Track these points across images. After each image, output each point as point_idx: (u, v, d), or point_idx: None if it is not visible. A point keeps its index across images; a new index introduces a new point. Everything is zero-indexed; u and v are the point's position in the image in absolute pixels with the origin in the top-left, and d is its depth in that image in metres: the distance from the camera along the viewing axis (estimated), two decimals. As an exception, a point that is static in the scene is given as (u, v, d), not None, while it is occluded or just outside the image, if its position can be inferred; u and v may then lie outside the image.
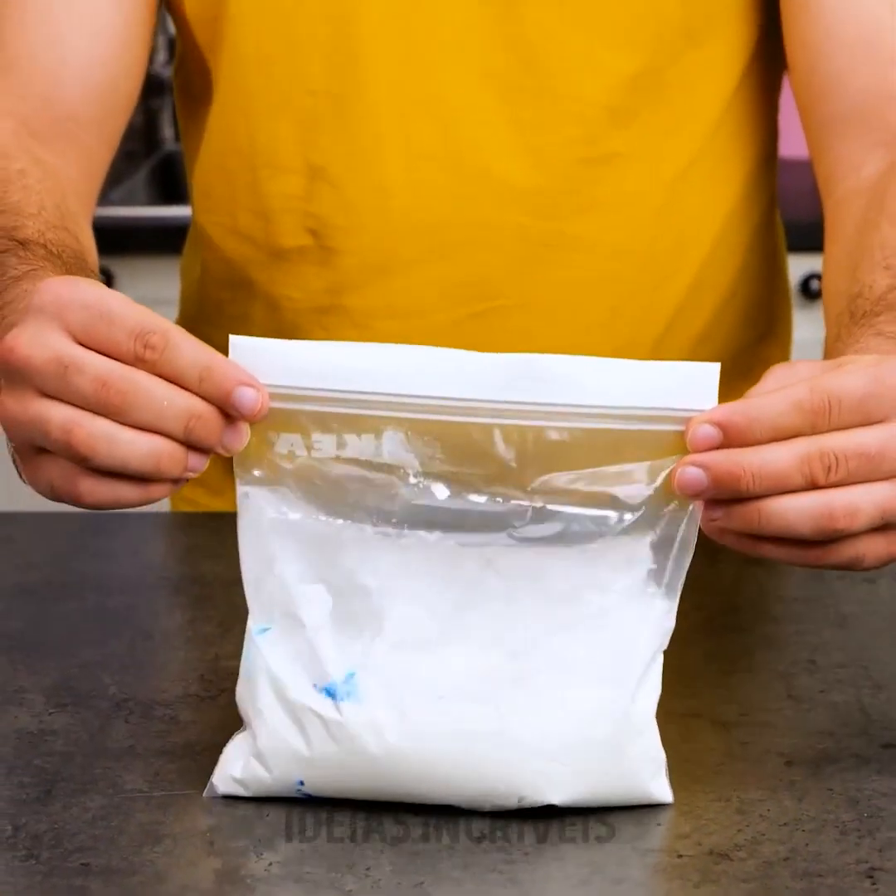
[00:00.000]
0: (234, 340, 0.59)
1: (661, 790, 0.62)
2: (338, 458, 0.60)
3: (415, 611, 0.60)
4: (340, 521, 0.61)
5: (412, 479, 0.60)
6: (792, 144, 2.20)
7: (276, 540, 0.61)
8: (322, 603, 0.61)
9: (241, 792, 0.62)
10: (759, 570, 0.84)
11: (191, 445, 0.59)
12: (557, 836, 0.60)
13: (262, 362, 0.59)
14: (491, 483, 0.59)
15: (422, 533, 0.60)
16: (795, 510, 0.58)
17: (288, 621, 0.61)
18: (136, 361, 0.58)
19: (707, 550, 0.85)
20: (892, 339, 0.67)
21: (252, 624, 0.62)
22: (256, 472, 0.61)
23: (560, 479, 0.59)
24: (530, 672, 0.60)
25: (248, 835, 0.60)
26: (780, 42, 0.89)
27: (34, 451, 0.61)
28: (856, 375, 0.59)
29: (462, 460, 0.59)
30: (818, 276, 1.71)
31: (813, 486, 0.58)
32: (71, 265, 0.72)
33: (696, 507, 0.59)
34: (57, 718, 0.69)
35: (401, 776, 0.60)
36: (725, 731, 0.67)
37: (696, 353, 0.90)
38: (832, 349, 0.69)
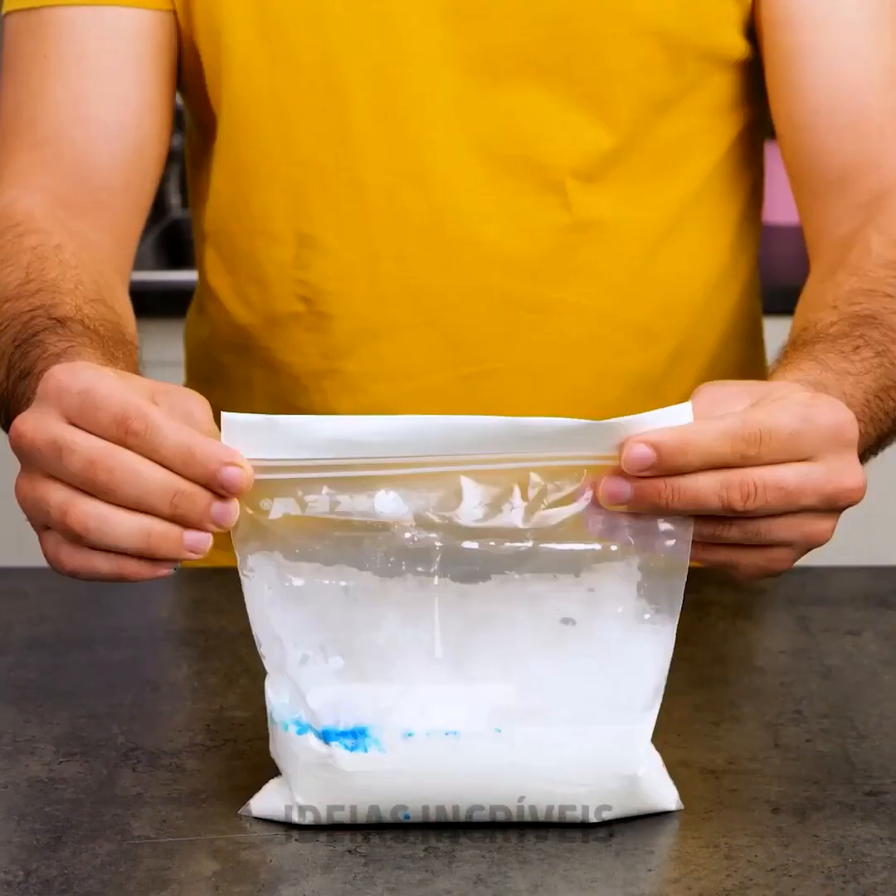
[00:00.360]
0: (226, 417, 0.61)
1: (670, 798, 0.65)
2: (332, 517, 0.62)
3: (423, 658, 0.62)
4: (343, 582, 0.62)
5: (407, 534, 0.62)
6: (774, 210, 2.23)
7: (279, 614, 0.63)
8: (334, 662, 0.63)
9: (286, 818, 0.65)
10: (747, 624, 0.86)
11: (182, 523, 0.60)
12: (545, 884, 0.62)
13: (254, 438, 0.61)
14: (484, 529, 0.62)
15: (423, 578, 0.62)
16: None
17: (298, 678, 0.63)
18: (122, 445, 0.60)
19: (697, 605, 0.88)
20: (823, 365, 0.71)
21: (268, 686, 0.64)
22: (253, 543, 0.62)
23: (548, 519, 0.61)
24: (541, 707, 0.62)
25: (252, 880, 0.62)
26: (764, 109, 0.91)
27: (43, 527, 0.64)
28: (788, 412, 0.62)
29: (454, 511, 0.61)
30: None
31: (729, 510, 0.61)
32: (107, 339, 0.74)
33: (680, 528, 0.62)
34: (67, 767, 0.71)
35: (431, 796, 0.64)
36: (714, 780, 0.69)
37: None
38: (772, 374, 0.72)
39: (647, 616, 0.63)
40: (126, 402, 0.60)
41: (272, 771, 0.67)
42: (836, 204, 0.86)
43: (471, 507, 0.61)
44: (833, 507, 0.64)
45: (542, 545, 0.62)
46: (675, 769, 0.69)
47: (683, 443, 0.60)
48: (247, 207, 0.91)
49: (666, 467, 0.60)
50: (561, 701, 0.63)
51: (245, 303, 0.93)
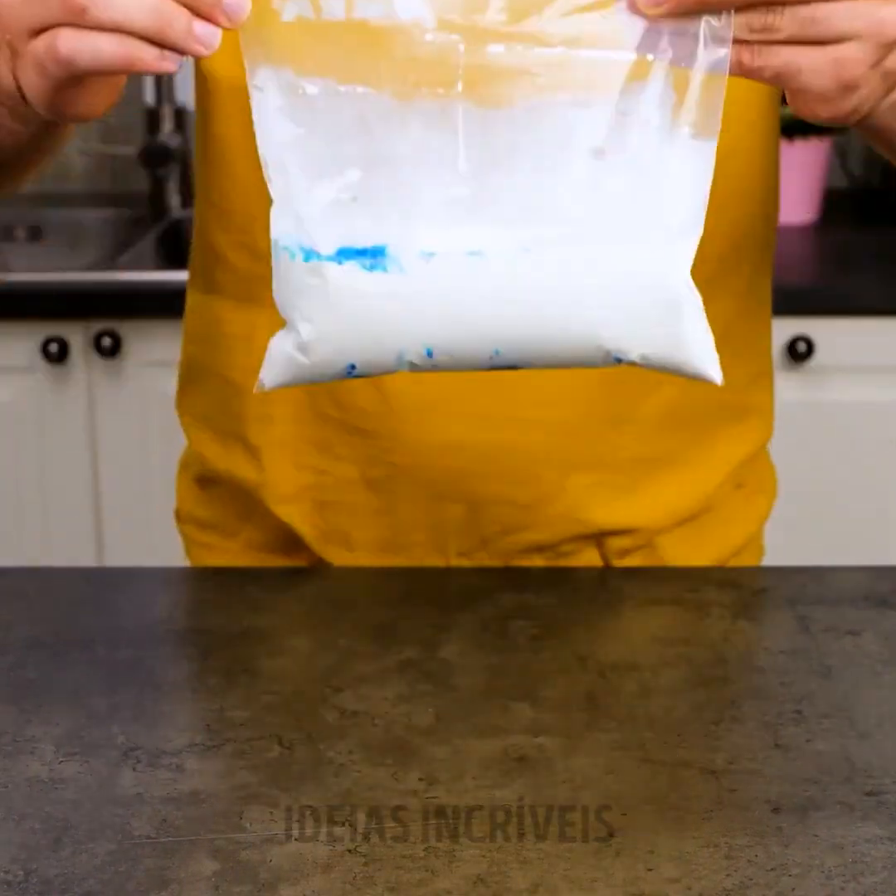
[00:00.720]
0: None
1: (711, 363, 0.60)
2: (349, 21, 0.57)
3: (445, 175, 0.58)
4: (360, 89, 0.57)
5: (428, 36, 0.57)
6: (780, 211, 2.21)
7: (290, 126, 0.58)
8: (349, 176, 0.58)
9: (292, 381, 0.60)
10: (747, 624, 0.86)
11: (196, 12, 0.58)
12: (546, 882, 0.62)
13: None
14: (510, 33, 0.57)
15: (444, 101, 0.57)
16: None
17: (308, 204, 0.58)
18: None
19: (697, 605, 0.88)
20: None
21: (272, 216, 0.59)
22: (263, 51, 0.58)
23: (581, 25, 0.57)
24: (573, 232, 0.58)
25: (252, 880, 0.62)
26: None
27: (29, 35, 0.60)
28: None
29: (476, 7, 0.57)
30: (804, 339, 1.74)
31: None
32: None
33: (721, 32, 0.57)
34: (67, 767, 0.71)
35: (455, 327, 0.58)
36: (714, 780, 0.69)
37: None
38: None
39: (685, 131, 0.58)
40: None
41: (273, 771, 0.67)
42: None
43: (498, 10, 0.57)
44: None
45: (573, 52, 0.57)
46: (676, 769, 0.69)
47: None
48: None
49: None
50: (594, 224, 0.58)
51: (260, 256, 0.91)
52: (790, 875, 0.62)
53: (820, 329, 1.73)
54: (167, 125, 2.06)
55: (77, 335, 1.75)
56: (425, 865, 0.62)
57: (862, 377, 1.75)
